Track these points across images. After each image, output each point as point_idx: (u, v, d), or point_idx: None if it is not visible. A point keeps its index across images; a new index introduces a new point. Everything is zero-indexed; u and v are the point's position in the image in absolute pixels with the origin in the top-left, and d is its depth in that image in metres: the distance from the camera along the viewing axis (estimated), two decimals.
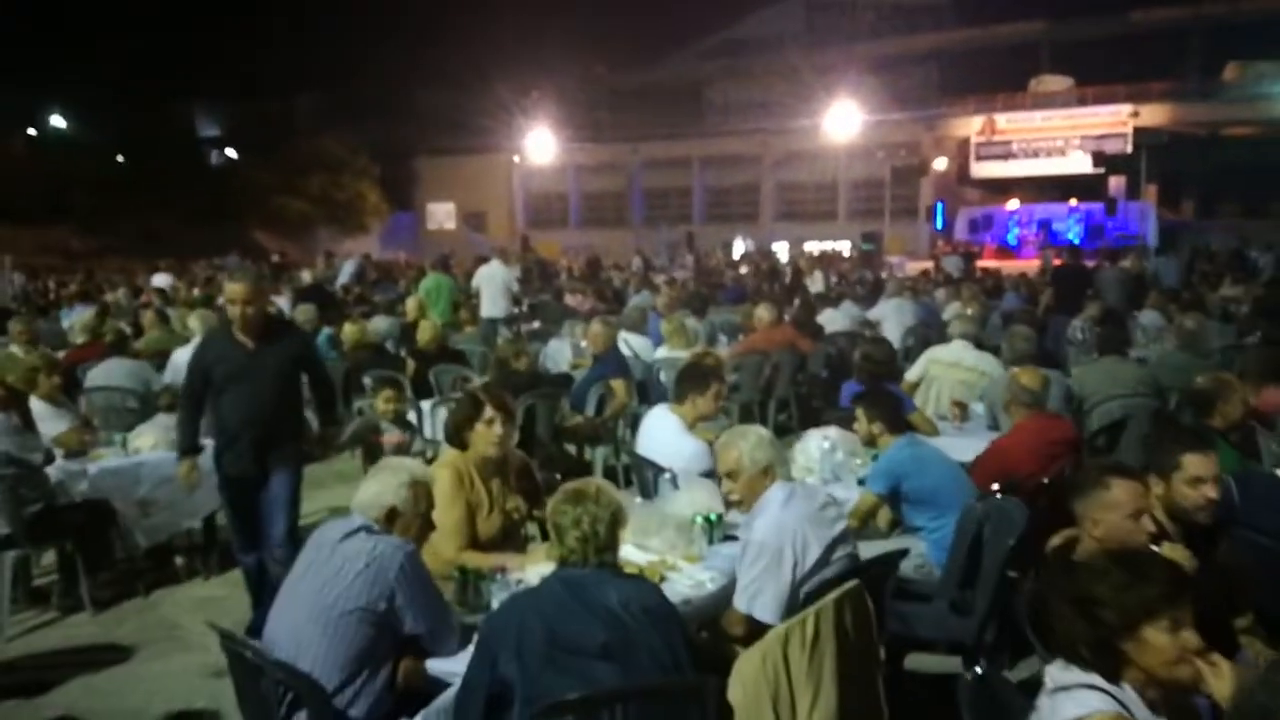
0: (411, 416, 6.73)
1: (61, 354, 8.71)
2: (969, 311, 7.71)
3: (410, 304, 11.00)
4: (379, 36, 36.56)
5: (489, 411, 3.64)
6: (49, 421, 5.61)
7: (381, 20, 37.00)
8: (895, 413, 4.39)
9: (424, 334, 8.90)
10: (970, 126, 37.26)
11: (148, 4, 34.71)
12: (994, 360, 6.85)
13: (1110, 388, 6.23)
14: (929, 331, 11.01)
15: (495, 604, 2.91)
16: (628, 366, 7.38)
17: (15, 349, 7.79)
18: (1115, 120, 35.34)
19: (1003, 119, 37.13)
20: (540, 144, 37.14)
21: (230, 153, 38.13)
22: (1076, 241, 30.48)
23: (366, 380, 7.65)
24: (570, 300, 14.12)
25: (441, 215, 41.74)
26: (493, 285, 12.20)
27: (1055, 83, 37.38)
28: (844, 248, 33.86)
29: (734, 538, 3.72)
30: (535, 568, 3.26)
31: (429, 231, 40.81)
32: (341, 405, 7.59)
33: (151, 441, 5.49)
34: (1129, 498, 2.62)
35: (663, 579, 3.30)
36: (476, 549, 3.56)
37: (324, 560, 2.72)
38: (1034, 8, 39.31)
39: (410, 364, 8.59)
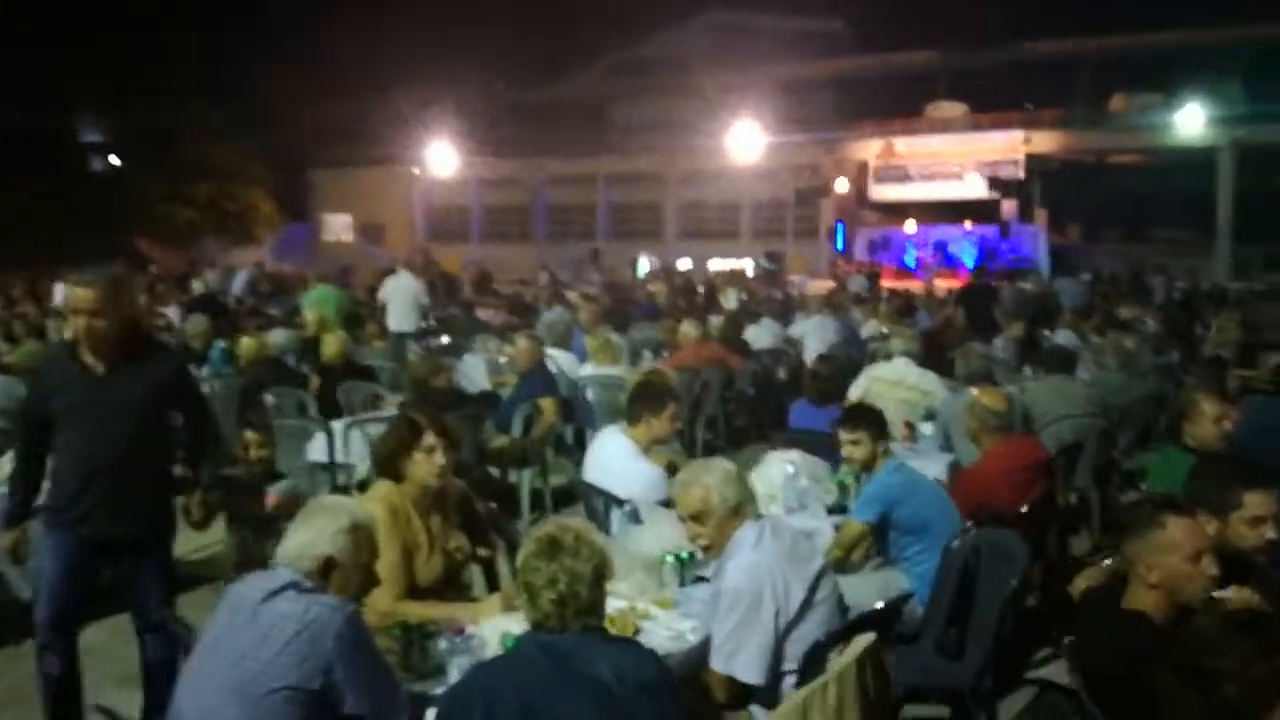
0: (320, 439, 6.15)
1: None
2: (908, 333, 7.47)
3: (311, 316, 10.32)
4: (272, 44, 35.22)
5: (429, 438, 3.15)
6: None
7: (274, 27, 35.68)
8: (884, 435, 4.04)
9: (329, 348, 8.28)
10: (869, 150, 37.88)
11: (23, 6, 32.68)
12: (936, 379, 6.63)
13: (1061, 408, 6.05)
14: (850, 349, 10.87)
15: (451, 669, 2.43)
16: (556, 384, 6.93)
17: None
18: (1009, 146, 36.31)
19: (900, 143, 37.84)
20: (441, 157, 36.38)
21: (114, 160, 36.22)
22: (971, 264, 31.19)
23: (269, 398, 7.02)
24: (482, 314, 13.56)
25: (338, 227, 40.50)
26: (402, 298, 11.59)
27: (950, 109, 38.29)
28: (747, 266, 34.00)
29: (705, 578, 3.31)
30: (490, 621, 2.78)
31: (325, 243, 39.54)
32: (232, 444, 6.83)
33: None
34: (1188, 538, 2.31)
35: (637, 631, 2.86)
36: (415, 597, 3.07)
37: (243, 625, 2.19)
38: (930, 37, 40.36)
39: (314, 380, 7.97)
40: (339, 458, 6.11)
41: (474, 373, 9.55)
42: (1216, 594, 2.26)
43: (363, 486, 5.98)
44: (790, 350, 10.61)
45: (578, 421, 7.50)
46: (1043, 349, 7.31)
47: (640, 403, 4.20)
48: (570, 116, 41.39)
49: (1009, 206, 34.54)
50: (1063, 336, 10.82)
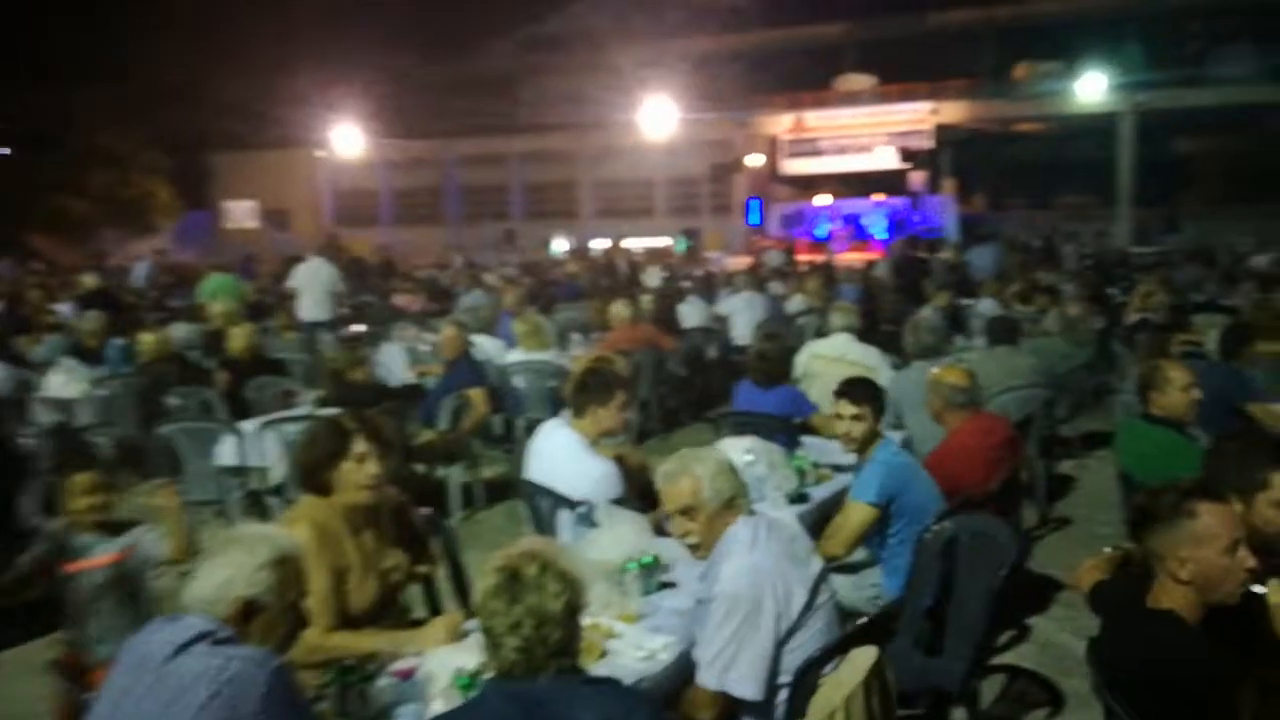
0: (229, 442, 5.69)
1: None
2: (847, 307, 7.25)
3: (216, 308, 9.71)
4: (165, 22, 33.56)
5: (360, 444, 2.78)
6: None
7: (168, 5, 34.03)
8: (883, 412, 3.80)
9: (235, 341, 7.75)
10: (780, 124, 37.96)
11: None
12: (878, 354, 6.44)
13: (1007, 379, 5.90)
14: (777, 325, 10.70)
15: (397, 718, 2.09)
16: (484, 373, 6.56)
17: None
18: (917, 117, 36.72)
19: (811, 116, 37.99)
20: (347, 138, 35.37)
21: (1, 150, 34.23)
22: (883, 236, 31.64)
23: (172, 400, 6.50)
24: (398, 300, 13.04)
25: (241, 213, 39.06)
26: (315, 286, 11.02)
27: (859, 81, 38.56)
28: (663, 244, 33.83)
29: (670, 585, 3.02)
30: (436, 652, 2.45)
31: (227, 231, 38.09)
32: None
33: None
34: (1224, 527, 2.07)
35: (604, 654, 2.56)
36: (347, 625, 2.71)
37: (146, 690, 1.81)
38: (837, 9, 40.49)
39: (221, 377, 7.45)
40: (251, 461, 5.66)
41: (393, 363, 9.11)
42: (1255, 588, 2.06)
43: (279, 491, 5.56)
44: (719, 328, 10.38)
45: (507, 411, 7.15)
46: (986, 320, 7.18)
47: (586, 393, 3.88)
48: (480, 95, 40.58)
49: (918, 177, 34.98)
50: (985, 306, 10.79)
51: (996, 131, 37.18)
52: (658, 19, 43.14)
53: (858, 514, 3.68)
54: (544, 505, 3.74)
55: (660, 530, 3.27)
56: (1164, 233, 27.63)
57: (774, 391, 5.13)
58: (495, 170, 40.75)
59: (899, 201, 33.94)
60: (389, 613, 2.86)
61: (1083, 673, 4.03)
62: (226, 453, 5.62)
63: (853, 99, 37.61)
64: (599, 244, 33.18)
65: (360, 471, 2.78)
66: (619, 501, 3.57)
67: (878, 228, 33.49)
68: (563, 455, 3.81)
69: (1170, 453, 3.63)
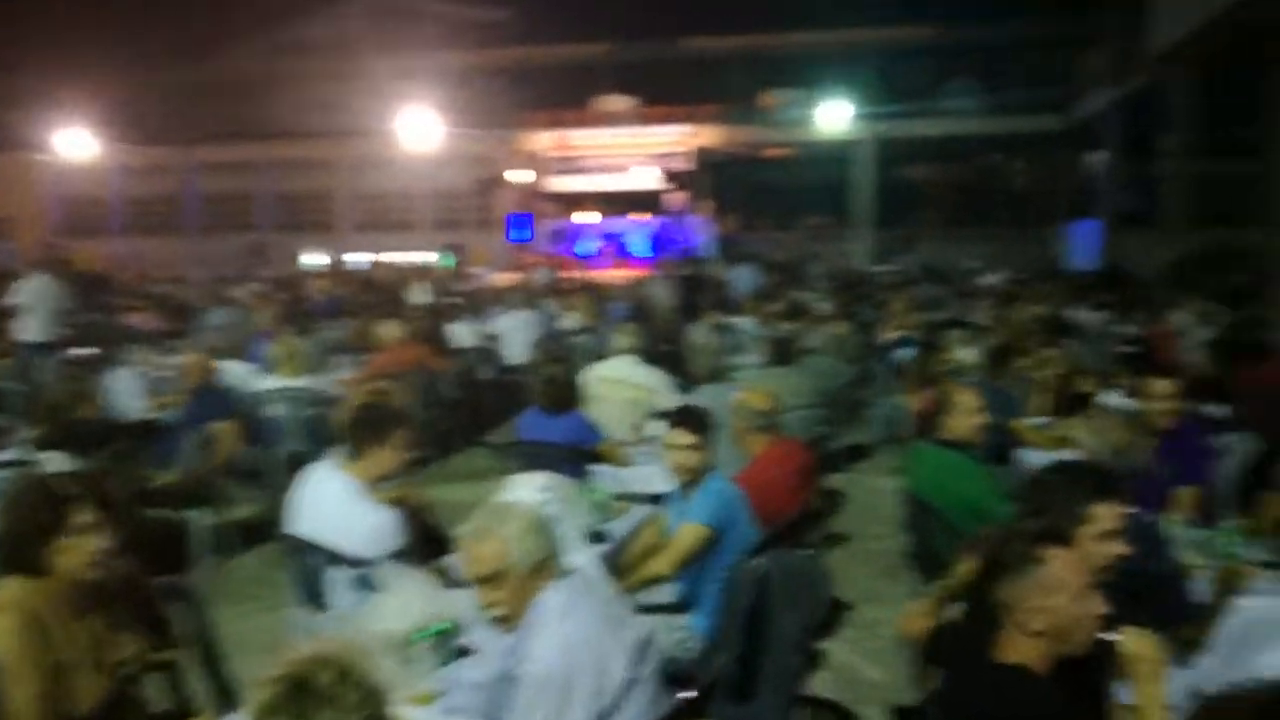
0: None
1: None
2: (631, 328, 7.08)
3: None
4: None
5: (82, 514, 2.26)
6: None
7: None
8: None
9: None
10: (543, 141, 38.03)
11: None
12: (661, 376, 6.32)
13: (789, 399, 5.91)
14: (552, 344, 10.49)
15: None
16: (231, 403, 5.89)
17: None
18: (677, 139, 37.80)
19: (573, 135, 38.31)
20: (74, 142, 32.34)
21: None
22: (646, 254, 32.46)
23: None
24: (133, 320, 11.78)
25: None
26: (40, 305, 9.74)
27: (619, 102, 39.26)
28: (428, 259, 33.00)
29: (469, 651, 2.67)
30: None
31: None
32: None
33: None
34: (1073, 572, 1.97)
35: None
36: None
37: None
38: (596, 30, 41.04)
39: None
40: None
41: (126, 392, 8.16)
42: (1104, 636, 1.97)
43: None
44: (491, 347, 10.03)
45: (262, 443, 6.48)
46: (759, 339, 7.22)
47: (361, 431, 3.44)
48: (227, 100, 38.20)
49: (677, 197, 36.04)
50: (746, 324, 10.98)
51: (748, 155, 38.88)
52: (417, 30, 42.16)
53: (691, 535, 3.51)
54: (312, 563, 3.28)
55: (452, 581, 2.92)
56: (901, 253, 29.65)
57: (563, 418, 4.86)
58: (241, 178, 38.37)
59: (660, 221, 34.85)
60: (123, 713, 2.34)
61: (880, 700, 4.01)
62: None
63: (613, 119, 38.24)
64: (357, 258, 31.89)
65: (83, 547, 2.26)
66: (402, 552, 3.17)
67: (639, 246, 34.22)
68: (334, 505, 3.35)
69: (964, 476, 3.66)
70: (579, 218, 36.39)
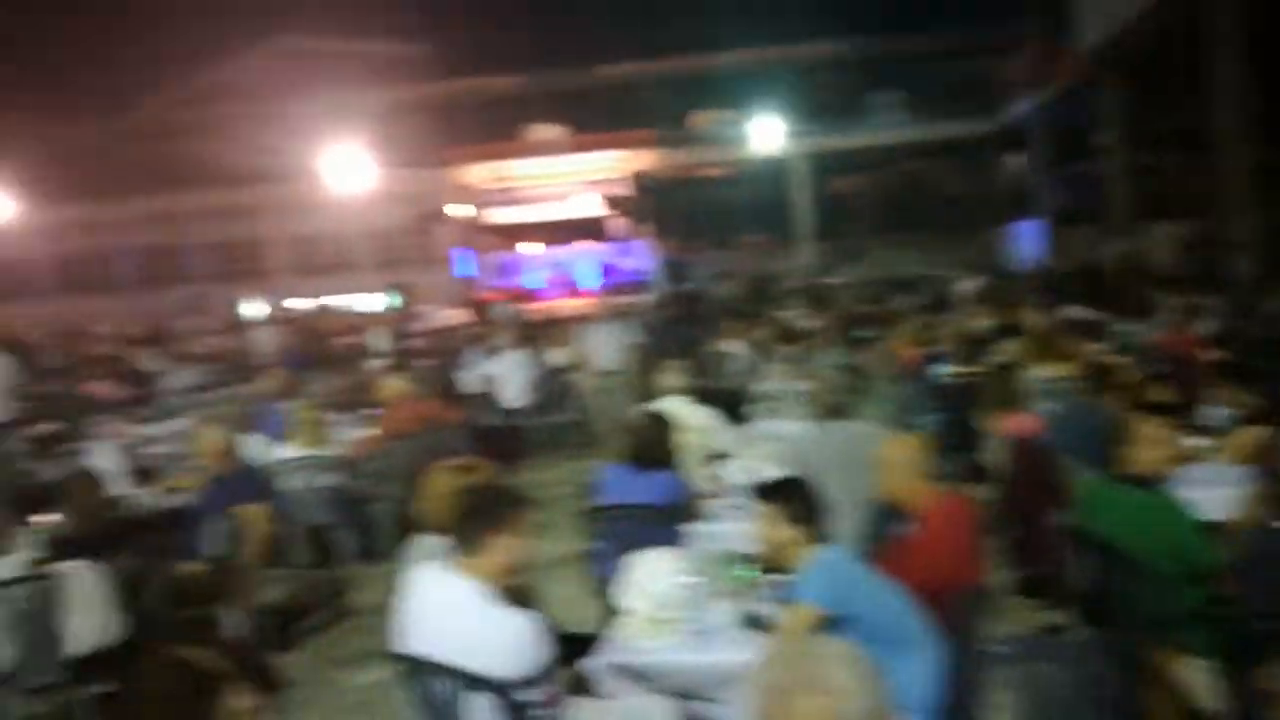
0: None
1: None
2: (676, 365, 6.62)
3: None
4: None
5: (237, 699, 1.76)
6: None
7: None
8: (817, 511, 3.14)
9: None
10: (477, 174, 37.54)
11: None
12: (717, 415, 5.92)
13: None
14: (553, 382, 10.08)
15: None
16: (259, 484, 5.32)
17: None
18: (613, 165, 37.59)
19: (509, 166, 37.89)
20: None
21: None
22: (594, 283, 32.41)
23: None
24: (93, 389, 11.00)
25: None
26: None
27: (550, 131, 38.91)
28: (373, 301, 32.25)
29: None
30: None
31: None
32: None
33: None
34: None
35: None
36: None
37: None
38: (517, 61, 40.73)
39: None
40: None
41: (108, 470, 7.50)
42: None
43: (6, 679, 4.08)
44: (491, 392, 9.54)
45: (283, 520, 5.91)
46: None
47: (474, 522, 2.94)
48: (143, 151, 37.06)
49: (619, 223, 35.77)
50: (735, 347, 10.61)
51: (684, 177, 38.81)
52: (341, 69, 41.40)
53: (800, 617, 3.04)
54: (441, 689, 2.77)
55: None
56: (846, 264, 29.74)
57: (653, 475, 4.40)
58: (171, 230, 37.17)
59: (606, 248, 34.56)
60: None
61: None
62: None
63: (546, 148, 37.86)
64: (297, 303, 30.96)
65: None
66: (545, 673, 2.69)
67: (587, 275, 33.88)
68: (459, 618, 2.84)
69: (1166, 518, 3.27)
70: (523, 249, 35.92)
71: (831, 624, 3.01)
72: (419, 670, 2.83)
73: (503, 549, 2.96)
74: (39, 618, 4.03)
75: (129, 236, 36.95)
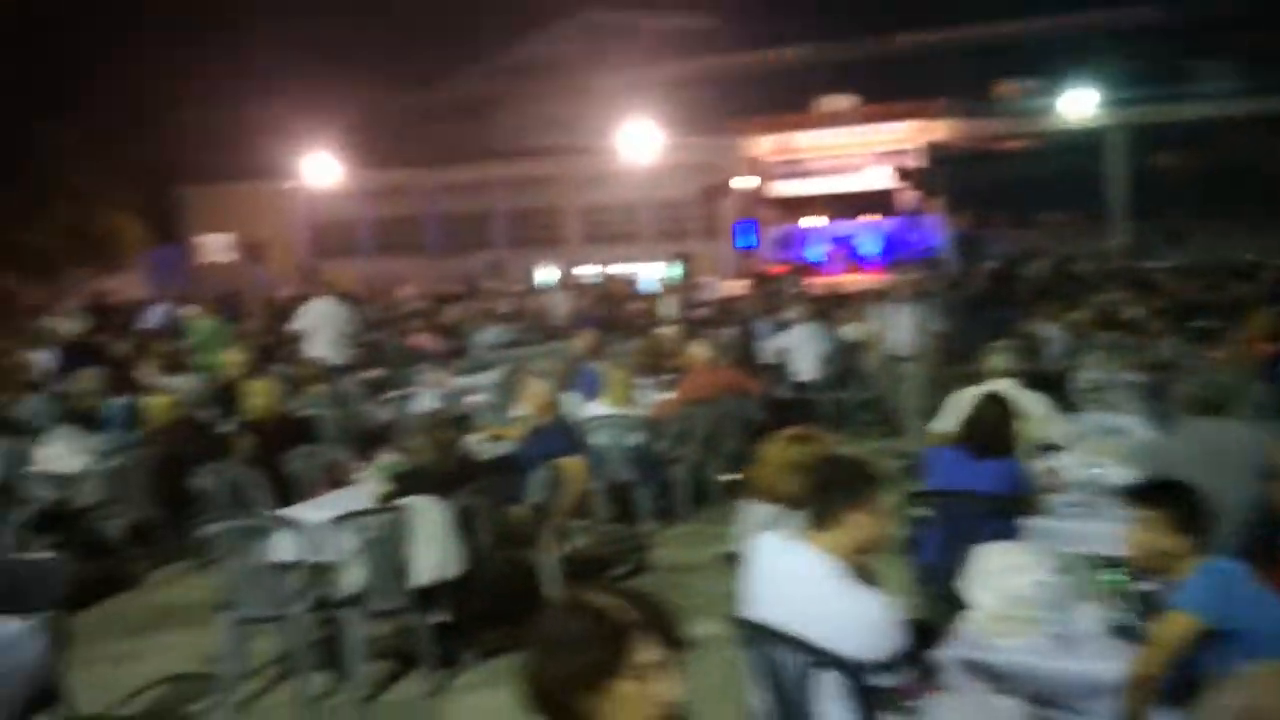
0: (281, 538, 4.56)
1: None
2: (1007, 344, 6.16)
3: (230, 356, 8.52)
4: (133, 54, 32.29)
5: (646, 650, 1.69)
6: None
7: (135, 35, 32.80)
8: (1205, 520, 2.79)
9: (255, 398, 6.64)
10: (764, 146, 37.41)
11: None
12: (1047, 400, 5.45)
13: None
14: (845, 358, 9.77)
15: None
16: (581, 438, 5.47)
17: None
18: (905, 136, 36.30)
19: (795, 138, 37.51)
20: (321, 169, 34.48)
21: None
22: (878, 256, 31.55)
23: (199, 482, 5.34)
24: (418, 340, 11.88)
25: (217, 247, 37.73)
26: (327, 327, 9.87)
27: (841, 102, 38.10)
28: (654, 270, 32.99)
29: None
30: None
31: (201, 266, 36.78)
32: None
33: None
34: None
35: None
36: None
37: None
38: (805, 31, 40.08)
39: (243, 444, 6.31)
40: (317, 557, 4.50)
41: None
42: None
43: (356, 601, 4.42)
44: (785, 364, 9.40)
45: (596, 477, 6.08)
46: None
47: (832, 494, 2.82)
48: (456, 121, 39.77)
49: (909, 196, 34.52)
50: (1049, 331, 9.82)
51: (981, 149, 36.84)
52: (629, 43, 42.58)
53: (1178, 626, 2.72)
54: (782, 661, 2.65)
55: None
56: (1168, 247, 27.20)
57: (992, 463, 4.10)
58: (476, 198, 39.76)
59: (892, 221, 33.51)
60: None
61: None
62: (284, 547, 4.45)
63: (836, 119, 37.13)
64: (587, 270, 32.22)
65: (645, 696, 1.68)
66: (907, 657, 2.50)
67: (871, 249, 33.02)
68: (814, 589, 2.72)
69: None
70: (806, 222, 35.51)
71: (1210, 638, 2.69)
72: (764, 639, 2.75)
73: (858, 526, 2.81)
74: (387, 547, 4.32)
75: (437, 203, 39.91)
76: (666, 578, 5.97)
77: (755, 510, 3.40)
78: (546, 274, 32.29)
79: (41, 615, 3.59)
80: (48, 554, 4.13)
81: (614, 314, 15.05)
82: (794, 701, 2.63)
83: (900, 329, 9.05)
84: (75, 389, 7.10)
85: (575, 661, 1.65)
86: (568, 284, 26.14)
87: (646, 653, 1.67)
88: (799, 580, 2.76)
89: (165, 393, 6.81)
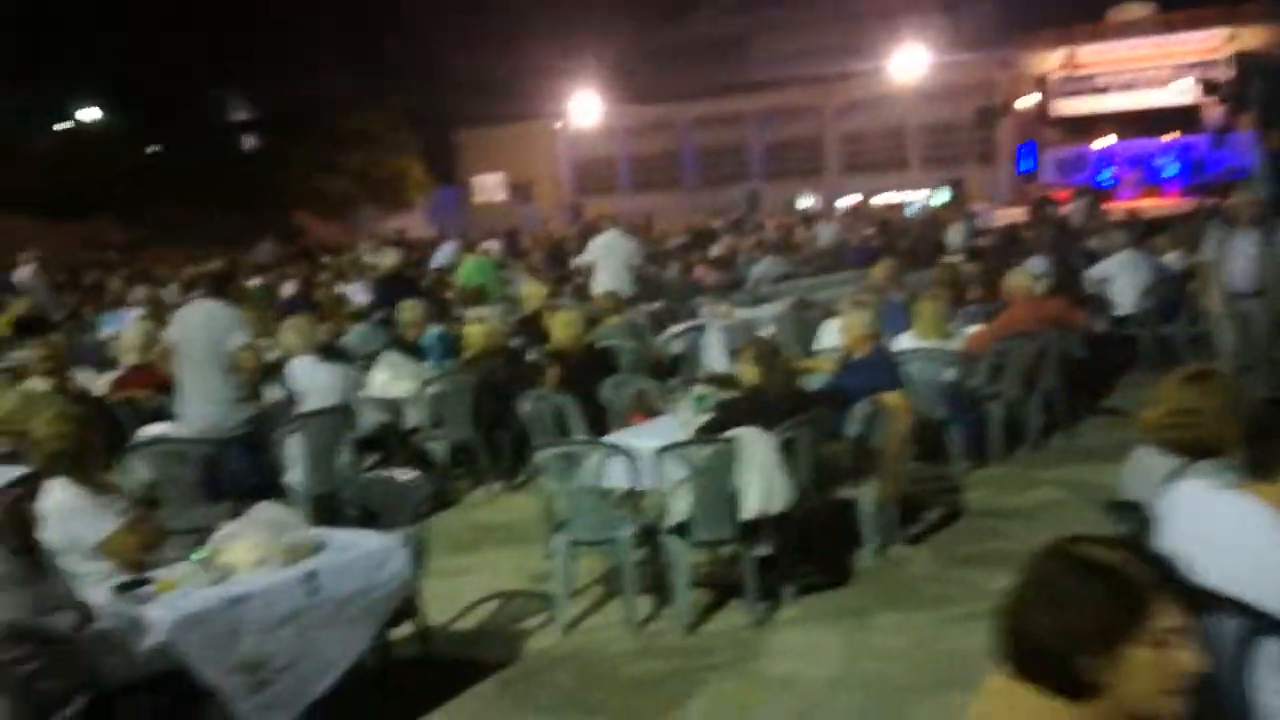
0: (612, 465, 4.57)
1: (102, 381, 6.68)
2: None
3: (528, 289, 8.81)
4: (406, 3, 34.22)
5: (1166, 615, 1.45)
6: (84, 518, 3.45)
7: None
8: None
9: (562, 330, 6.77)
10: (1048, 62, 34.62)
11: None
12: None
13: None
14: (1166, 288, 8.82)
15: None
16: (900, 372, 5.18)
17: (36, 383, 5.64)
18: (1210, 45, 32.53)
19: (1084, 51, 34.47)
20: (585, 108, 35.37)
21: (263, 136, 36.25)
22: (1177, 179, 28.77)
23: (523, 406, 5.49)
24: (698, 273, 11.88)
25: (490, 187, 39.71)
26: (613, 260, 10.02)
27: (1137, 10, 34.65)
28: (919, 197, 31.56)
29: None
30: None
31: (476, 205, 38.83)
32: None
33: (253, 555, 3.27)
34: None
35: None
36: None
37: None
38: None
39: (552, 373, 6.48)
40: (645, 484, 4.50)
41: (711, 350, 7.99)
42: None
43: (681, 531, 4.40)
44: (1104, 296, 8.60)
45: None
46: None
47: (1274, 439, 2.42)
48: (709, 55, 39.46)
49: (1215, 112, 30.93)
50: None
51: None
52: None
53: None
54: (1223, 627, 2.30)
55: None
56: None
57: None
58: (732, 131, 39.53)
59: (1193, 140, 30.25)
60: None
61: None
62: (615, 474, 4.47)
63: (1132, 30, 33.85)
64: (849, 200, 31.33)
65: (1160, 667, 1.44)
66: None
67: (1171, 170, 30.04)
68: (1260, 544, 2.34)
69: None
70: (1096, 143, 32.70)
71: None
72: (1207, 599, 2.40)
73: None
74: (714, 476, 4.25)
75: (694, 137, 39.96)
76: (980, 523, 5.61)
77: (1152, 458, 3.01)
78: (806, 204, 31.72)
79: (405, 531, 3.77)
80: (411, 472, 4.33)
81: (894, 244, 14.45)
82: (1229, 672, 2.29)
83: (1240, 258, 8.00)
84: (400, 318, 7.55)
85: (1087, 621, 1.43)
86: (834, 214, 25.47)
87: (1167, 617, 1.43)
88: (1241, 534, 2.38)
89: (479, 323, 7.08)
